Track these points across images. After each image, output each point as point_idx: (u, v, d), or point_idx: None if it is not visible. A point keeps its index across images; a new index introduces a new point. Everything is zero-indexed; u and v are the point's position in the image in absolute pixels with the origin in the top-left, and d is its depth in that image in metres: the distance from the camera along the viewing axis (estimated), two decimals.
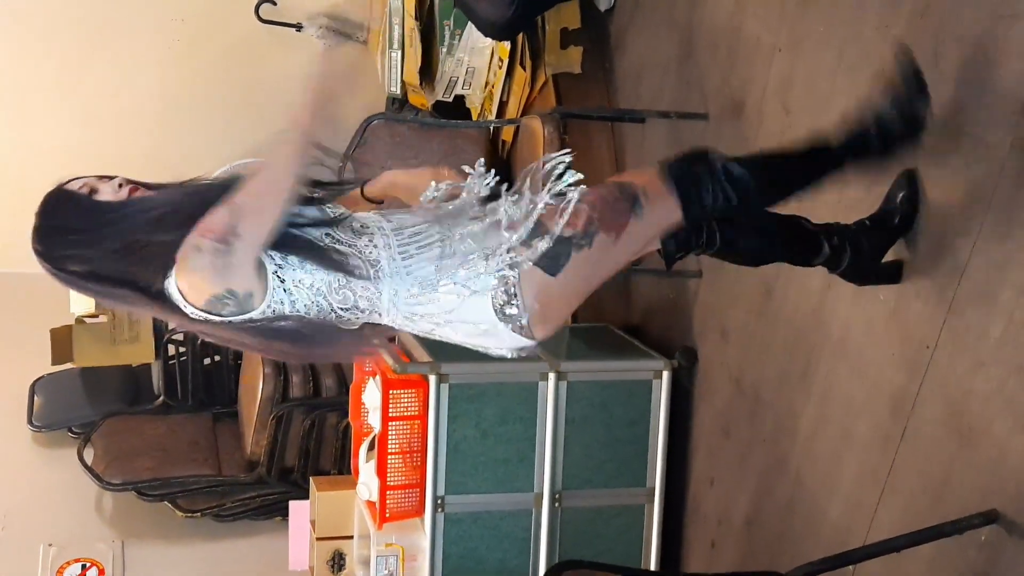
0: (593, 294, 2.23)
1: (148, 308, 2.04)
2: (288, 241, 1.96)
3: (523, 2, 3.99)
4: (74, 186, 2.04)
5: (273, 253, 1.95)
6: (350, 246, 2.03)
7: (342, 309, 2.04)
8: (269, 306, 1.97)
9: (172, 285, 1.94)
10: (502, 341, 2.13)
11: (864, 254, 2.53)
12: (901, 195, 2.54)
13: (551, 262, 2.06)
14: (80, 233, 1.99)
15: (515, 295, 2.06)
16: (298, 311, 2.00)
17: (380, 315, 2.08)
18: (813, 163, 2.36)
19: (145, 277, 1.97)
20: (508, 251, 2.05)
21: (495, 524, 3.56)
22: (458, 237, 2.06)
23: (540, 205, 2.06)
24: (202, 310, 1.95)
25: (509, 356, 2.18)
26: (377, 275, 2.03)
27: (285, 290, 1.98)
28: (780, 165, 2.37)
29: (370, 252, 2.03)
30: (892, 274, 2.59)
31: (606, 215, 2.08)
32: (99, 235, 1.98)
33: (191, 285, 1.93)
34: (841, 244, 2.51)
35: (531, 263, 2.05)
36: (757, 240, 2.47)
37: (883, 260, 2.57)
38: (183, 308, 1.96)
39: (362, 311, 2.06)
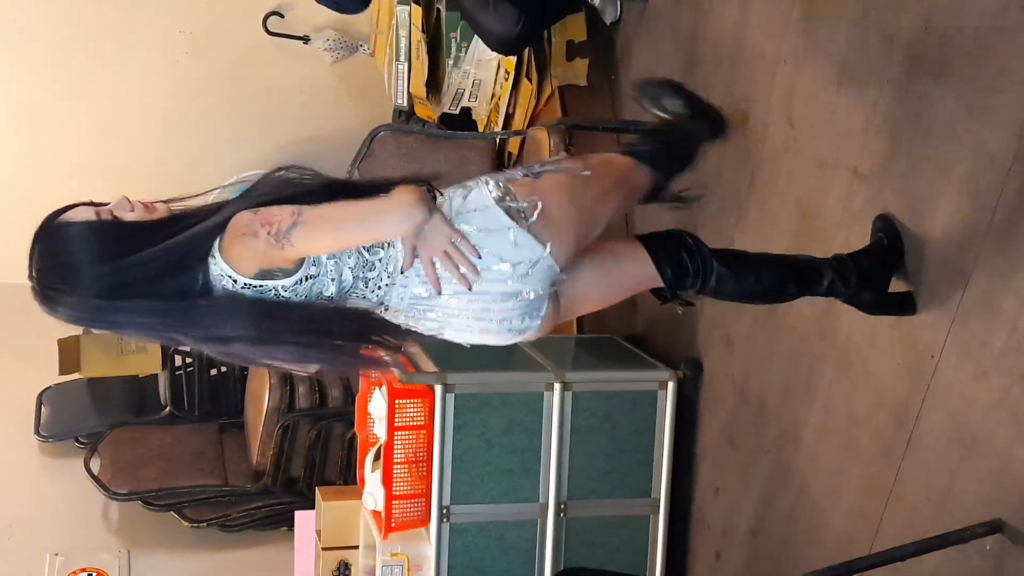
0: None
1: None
2: None
3: (530, 18, 4.01)
4: (88, 215, 2.00)
5: None
6: None
7: (364, 270, 2.09)
8: (302, 276, 2.03)
9: (218, 264, 1.99)
10: (525, 267, 2.16)
11: (871, 279, 2.56)
12: (880, 236, 2.62)
13: (535, 173, 2.24)
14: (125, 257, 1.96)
15: (509, 191, 2.19)
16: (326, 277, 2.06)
17: (396, 285, 2.13)
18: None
19: (185, 279, 2.01)
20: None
21: (500, 534, 3.57)
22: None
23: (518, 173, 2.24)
24: (253, 278, 1.99)
25: (541, 310, 2.21)
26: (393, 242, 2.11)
27: (315, 262, 2.05)
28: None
29: None
30: (903, 304, 2.58)
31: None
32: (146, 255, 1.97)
33: (240, 259, 1.98)
34: (842, 267, 2.54)
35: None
36: (753, 277, 2.49)
37: (890, 290, 2.60)
38: (231, 279, 2.00)
39: (384, 278, 2.12)
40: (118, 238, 1.96)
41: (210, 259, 2.00)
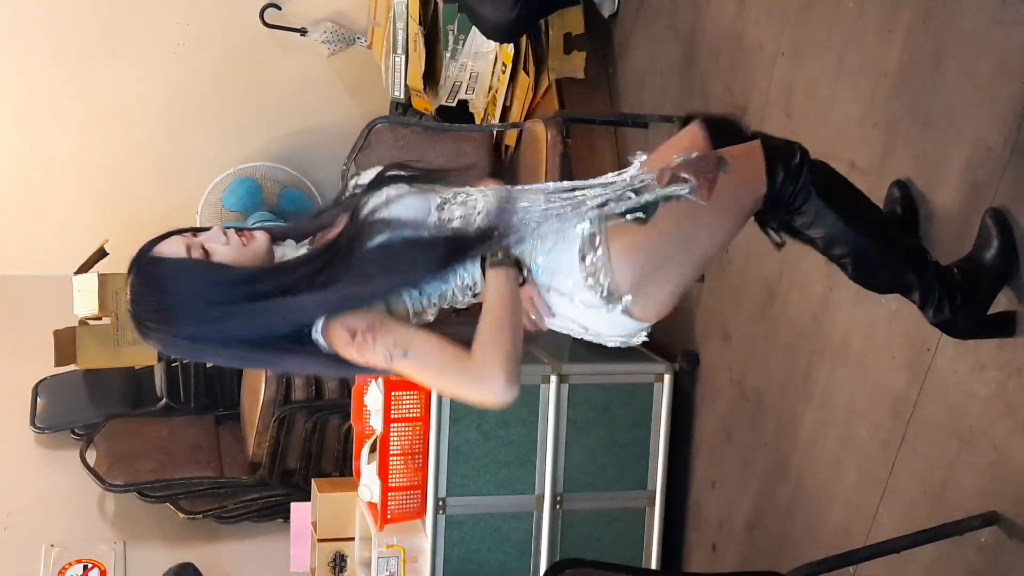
0: None
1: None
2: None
3: (526, 4, 4.01)
4: (179, 251, 1.89)
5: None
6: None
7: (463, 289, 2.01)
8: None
9: (316, 335, 1.90)
10: (603, 322, 2.07)
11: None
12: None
13: (640, 212, 1.99)
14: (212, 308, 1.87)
15: (599, 244, 1.98)
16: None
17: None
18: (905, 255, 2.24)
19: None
20: (597, 200, 2.01)
21: (496, 526, 3.57)
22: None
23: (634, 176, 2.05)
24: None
25: (624, 343, 2.13)
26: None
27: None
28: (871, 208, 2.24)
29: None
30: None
31: (692, 168, 2.00)
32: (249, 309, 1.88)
33: (340, 348, 1.88)
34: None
35: (620, 214, 1.99)
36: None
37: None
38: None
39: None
40: (210, 284, 1.87)
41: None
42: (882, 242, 2.19)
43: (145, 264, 1.89)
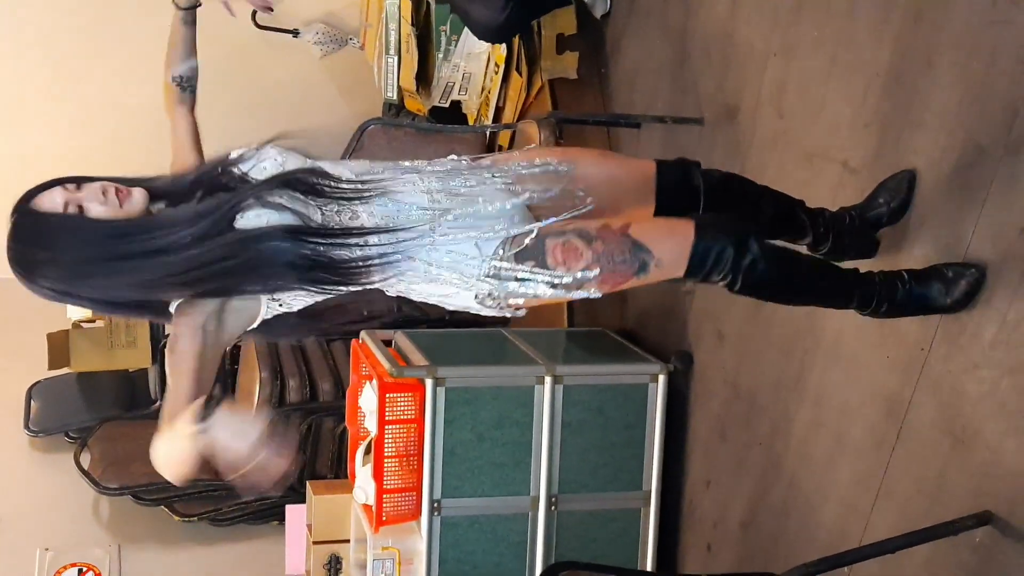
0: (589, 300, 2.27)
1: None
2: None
3: (516, 5, 4.01)
4: (57, 204, 1.97)
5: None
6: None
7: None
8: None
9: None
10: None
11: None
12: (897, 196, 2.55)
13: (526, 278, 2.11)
14: (88, 264, 1.95)
15: (492, 296, 2.12)
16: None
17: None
18: (840, 286, 2.34)
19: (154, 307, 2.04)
20: (498, 251, 2.10)
21: (491, 528, 3.57)
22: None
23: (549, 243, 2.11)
24: None
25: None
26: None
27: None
28: (806, 273, 2.31)
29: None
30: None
31: (605, 272, 2.09)
32: (115, 266, 1.95)
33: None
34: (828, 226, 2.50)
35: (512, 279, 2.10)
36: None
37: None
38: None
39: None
40: (78, 241, 1.94)
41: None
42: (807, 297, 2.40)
43: (21, 215, 1.95)
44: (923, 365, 2.50)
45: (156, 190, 2.11)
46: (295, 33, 5.32)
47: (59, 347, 4.90)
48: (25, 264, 1.95)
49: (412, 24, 4.69)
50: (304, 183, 2.02)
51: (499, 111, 4.66)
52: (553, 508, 3.60)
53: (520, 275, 2.09)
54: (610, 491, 3.66)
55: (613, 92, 4.35)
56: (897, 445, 2.60)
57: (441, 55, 4.72)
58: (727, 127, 3.41)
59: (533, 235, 2.10)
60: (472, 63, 4.65)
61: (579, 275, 2.08)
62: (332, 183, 2.05)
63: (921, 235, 2.52)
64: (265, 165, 2.09)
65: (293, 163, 2.11)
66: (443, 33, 4.68)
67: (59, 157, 5.31)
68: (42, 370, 4.92)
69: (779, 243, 2.30)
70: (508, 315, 2.16)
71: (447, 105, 4.84)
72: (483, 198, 2.15)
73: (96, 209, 1.98)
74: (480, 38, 4.31)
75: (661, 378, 3.63)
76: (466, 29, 4.49)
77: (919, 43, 2.55)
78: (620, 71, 4.30)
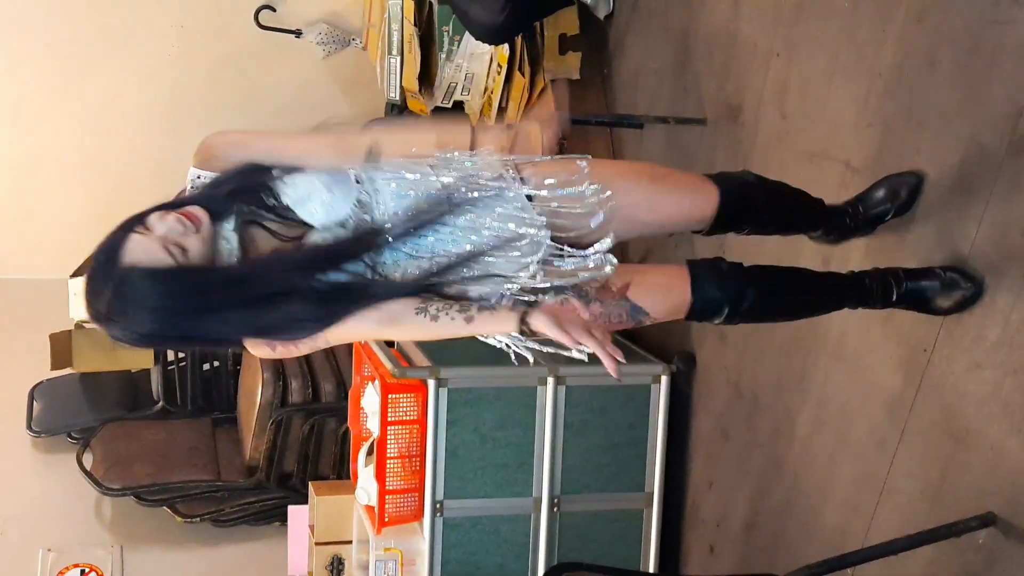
0: None
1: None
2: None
3: (515, 7, 4.00)
4: (154, 251, 1.79)
5: None
6: None
7: None
8: None
9: None
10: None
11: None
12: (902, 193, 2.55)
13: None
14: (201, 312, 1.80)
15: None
16: None
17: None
18: (836, 292, 2.40)
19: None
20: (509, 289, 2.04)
21: (494, 528, 3.57)
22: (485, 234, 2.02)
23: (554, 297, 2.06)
24: None
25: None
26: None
27: None
28: (799, 295, 2.36)
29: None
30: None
31: (602, 325, 2.07)
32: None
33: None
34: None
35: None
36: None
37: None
38: None
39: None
40: (191, 291, 1.78)
41: None
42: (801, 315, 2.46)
43: (118, 273, 1.78)
44: (926, 366, 2.50)
45: (211, 207, 1.93)
46: (298, 33, 5.32)
47: (62, 347, 4.89)
48: (120, 319, 1.79)
49: (415, 24, 4.68)
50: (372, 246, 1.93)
51: (502, 111, 4.65)
52: (555, 509, 3.59)
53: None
54: (612, 492, 3.66)
55: (616, 92, 4.35)
56: (900, 446, 2.59)
57: (444, 55, 4.72)
58: (730, 127, 3.40)
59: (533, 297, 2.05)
60: (475, 63, 4.65)
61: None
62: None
63: (923, 235, 2.52)
64: (315, 207, 1.93)
65: (341, 200, 1.95)
66: (446, 33, 4.67)
67: (65, 161, 5.33)
68: (45, 371, 4.91)
69: (771, 267, 2.33)
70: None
71: (450, 105, 4.83)
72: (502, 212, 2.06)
73: (195, 247, 1.82)
74: (479, 39, 4.31)
75: (663, 379, 3.62)
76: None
77: (921, 43, 2.54)
78: (623, 71, 4.30)
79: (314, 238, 1.92)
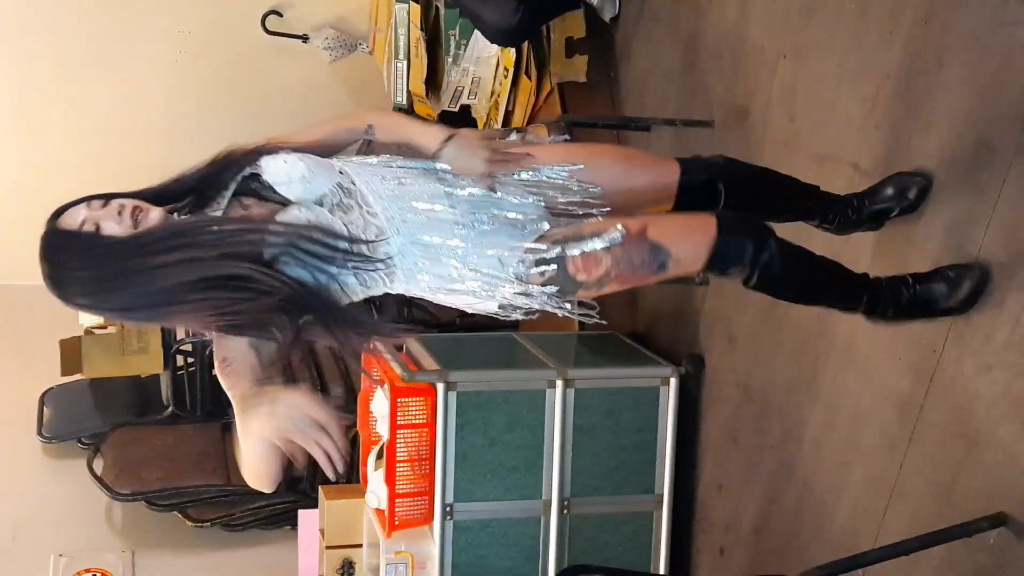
0: (599, 302, 2.30)
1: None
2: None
3: (529, 9, 4.01)
4: (76, 222, 2.02)
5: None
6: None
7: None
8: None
9: None
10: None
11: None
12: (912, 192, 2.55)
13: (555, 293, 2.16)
14: (102, 281, 2.00)
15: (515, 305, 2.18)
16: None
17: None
18: (849, 288, 2.38)
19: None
20: (520, 264, 2.12)
21: (504, 531, 3.57)
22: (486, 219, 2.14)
23: (570, 253, 2.12)
24: None
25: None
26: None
27: None
28: (819, 274, 2.35)
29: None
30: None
31: (624, 274, 2.12)
32: (124, 281, 1.99)
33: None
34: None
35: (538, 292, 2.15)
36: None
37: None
38: None
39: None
40: (96, 257, 1.99)
41: None
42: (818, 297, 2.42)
43: (47, 232, 2.04)
44: (936, 367, 2.50)
45: (170, 195, 2.19)
46: (304, 38, 5.34)
47: (71, 353, 4.91)
48: (53, 280, 2.02)
49: (421, 29, 4.69)
50: (330, 247, 2.04)
51: (508, 115, 4.66)
52: (565, 511, 3.59)
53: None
54: (622, 494, 3.65)
55: (623, 95, 4.35)
56: (910, 447, 2.59)
57: (450, 59, 4.73)
58: (737, 129, 3.40)
59: (552, 255, 2.12)
60: (481, 67, 4.66)
61: (599, 280, 2.12)
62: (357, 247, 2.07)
63: (932, 236, 2.52)
64: (296, 187, 2.08)
65: (321, 181, 2.09)
66: (452, 37, 4.68)
67: (72, 166, 5.34)
68: (55, 376, 4.93)
69: (795, 244, 2.31)
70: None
71: (456, 109, 4.85)
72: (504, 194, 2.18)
73: (111, 228, 2.00)
74: (492, 41, 4.31)
75: (672, 381, 3.62)
76: (475, 33, 4.50)
77: (929, 44, 2.54)
78: (630, 74, 4.30)
79: (291, 212, 2.04)
